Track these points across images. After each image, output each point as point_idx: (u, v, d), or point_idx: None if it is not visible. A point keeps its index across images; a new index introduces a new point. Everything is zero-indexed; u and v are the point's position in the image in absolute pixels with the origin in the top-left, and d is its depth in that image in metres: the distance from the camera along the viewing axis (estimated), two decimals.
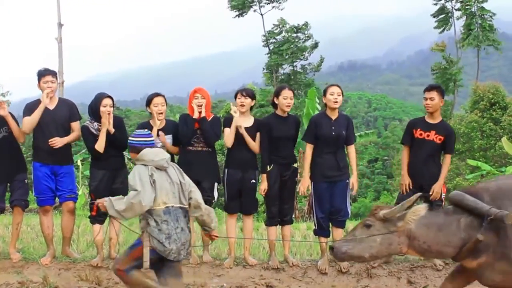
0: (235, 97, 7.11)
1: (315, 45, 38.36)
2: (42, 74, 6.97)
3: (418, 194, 5.19)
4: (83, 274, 6.46)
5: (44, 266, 6.82)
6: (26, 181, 7.13)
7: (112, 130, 6.73)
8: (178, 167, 5.26)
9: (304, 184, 6.93)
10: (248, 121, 7.04)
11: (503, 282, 4.49)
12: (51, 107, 6.99)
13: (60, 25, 23.99)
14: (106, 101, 6.78)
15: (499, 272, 4.43)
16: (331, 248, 4.70)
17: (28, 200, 7.19)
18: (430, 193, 6.92)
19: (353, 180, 7.00)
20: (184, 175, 5.22)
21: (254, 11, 38.64)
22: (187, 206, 5.10)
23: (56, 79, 7.15)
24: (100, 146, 6.72)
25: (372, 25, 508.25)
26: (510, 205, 4.37)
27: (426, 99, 6.96)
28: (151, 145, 5.16)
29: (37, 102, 6.95)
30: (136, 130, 5.48)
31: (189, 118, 6.95)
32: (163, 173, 5.00)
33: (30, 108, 6.91)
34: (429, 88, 6.98)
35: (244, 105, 6.97)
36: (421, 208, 4.55)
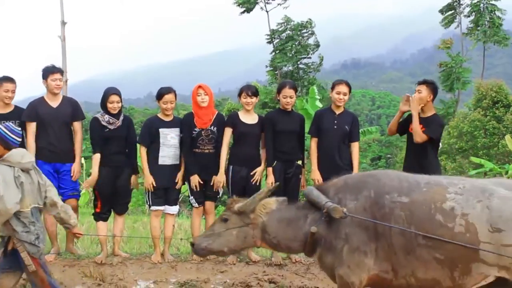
0: (239, 95, 7.15)
1: (317, 45, 38.27)
2: (51, 71, 7.01)
3: (273, 185, 5.22)
4: (87, 270, 6.49)
5: (49, 263, 6.86)
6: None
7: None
8: (36, 166, 5.08)
9: (315, 177, 6.93)
10: (252, 119, 7.08)
11: (332, 276, 4.56)
12: (55, 105, 7.03)
13: (63, 23, 23.96)
14: (113, 97, 6.90)
15: (328, 264, 4.49)
16: (192, 245, 4.78)
17: None
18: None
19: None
20: (42, 175, 5.10)
21: (261, 8, 38.59)
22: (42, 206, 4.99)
23: (62, 77, 7.24)
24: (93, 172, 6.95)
25: (375, 23, 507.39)
26: (351, 199, 4.43)
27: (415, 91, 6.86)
28: (17, 145, 4.93)
29: (40, 100, 7.01)
30: (9, 124, 5.15)
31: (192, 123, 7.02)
32: (27, 175, 4.83)
33: (33, 108, 6.99)
34: (421, 82, 6.89)
35: (249, 104, 7.03)
36: (272, 201, 4.68)
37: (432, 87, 6.82)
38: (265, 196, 4.72)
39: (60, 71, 7.15)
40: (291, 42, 37.54)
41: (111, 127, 6.91)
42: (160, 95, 7.04)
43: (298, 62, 38.13)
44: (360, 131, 22.14)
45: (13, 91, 7.01)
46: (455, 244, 4.07)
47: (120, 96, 6.98)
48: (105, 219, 7.11)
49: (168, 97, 7.00)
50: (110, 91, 6.96)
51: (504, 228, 4.06)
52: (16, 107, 7.14)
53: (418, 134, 6.60)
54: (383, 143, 53.61)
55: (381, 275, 4.34)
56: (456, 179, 4.50)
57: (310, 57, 38.38)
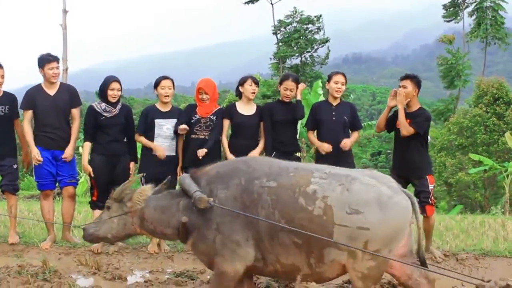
0: (243, 83, 7.07)
1: (326, 40, 38.16)
2: (47, 60, 6.97)
3: (140, 174, 5.19)
4: (83, 259, 6.46)
5: (44, 250, 6.86)
6: (15, 166, 7.14)
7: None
8: None
9: (324, 147, 6.89)
10: (250, 109, 7.04)
11: (208, 263, 4.59)
12: (52, 92, 6.99)
13: (65, 12, 23.93)
14: (114, 85, 6.91)
15: (202, 253, 4.54)
16: (83, 230, 4.91)
17: (17, 184, 7.26)
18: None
19: (346, 140, 6.93)
20: None
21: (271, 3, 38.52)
22: None
23: (59, 65, 7.16)
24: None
25: (377, 18, 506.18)
26: (221, 188, 4.45)
27: (399, 86, 6.86)
28: None
29: (38, 88, 6.98)
30: None
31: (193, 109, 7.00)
32: None
33: (32, 98, 6.99)
34: (403, 77, 6.93)
35: (254, 92, 7.03)
36: (147, 188, 4.76)
37: (416, 81, 6.84)
38: (132, 184, 4.86)
39: (57, 59, 7.09)
40: (296, 34, 37.47)
41: (107, 114, 6.90)
42: (157, 82, 7.02)
43: (302, 56, 38.07)
44: None
45: (2, 76, 6.96)
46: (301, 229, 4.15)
47: (120, 84, 6.99)
48: (102, 208, 7.03)
49: (165, 82, 6.98)
50: (111, 79, 6.97)
51: (362, 211, 4.12)
52: (5, 92, 7.10)
53: (404, 127, 6.61)
54: (383, 139, 53.52)
55: (255, 263, 4.40)
56: (325, 167, 4.57)
57: (316, 51, 38.34)
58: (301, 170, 4.46)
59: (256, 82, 7.07)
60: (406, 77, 6.87)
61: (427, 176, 6.82)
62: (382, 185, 4.31)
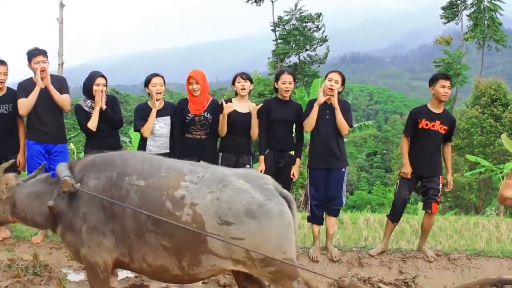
0: (234, 81, 7.04)
1: (325, 39, 38.16)
2: (33, 54, 6.88)
3: (11, 161, 5.12)
4: None
5: (35, 244, 6.84)
6: (16, 161, 7.09)
7: (104, 107, 6.73)
8: None
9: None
10: (245, 107, 6.96)
11: (75, 254, 4.49)
12: (43, 85, 6.91)
13: (61, 5, 23.84)
14: (100, 80, 6.76)
15: (69, 243, 4.44)
16: None
17: None
18: (448, 186, 7.05)
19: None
20: None
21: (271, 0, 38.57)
22: None
23: (47, 58, 7.01)
24: (92, 124, 6.71)
25: (376, 18, 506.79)
26: (92, 178, 4.31)
27: (443, 87, 6.85)
28: None
29: (30, 81, 6.90)
30: None
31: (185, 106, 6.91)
32: None
33: (24, 88, 6.87)
34: (446, 77, 6.96)
35: (245, 89, 6.92)
36: (11, 177, 4.64)
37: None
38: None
39: (43, 53, 6.96)
40: (295, 31, 37.49)
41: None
42: (147, 80, 6.91)
43: (301, 55, 38.08)
44: (356, 125, 22.13)
45: (5, 74, 6.93)
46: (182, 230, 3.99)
47: (106, 79, 6.87)
48: None
49: (156, 79, 6.87)
50: (97, 74, 6.82)
51: (233, 221, 3.97)
52: (8, 89, 7.07)
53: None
54: (379, 139, 53.69)
55: (121, 258, 4.28)
56: (201, 167, 4.39)
57: (314, 50, 38.37)
58: (173, 171, 4.28)
59: (247, 78, 6.98)
60: (449, 77, 7.08)
61: (440, 176, 6.95)
62: (255, 191, 4.13)
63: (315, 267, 6.73)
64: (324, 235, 7.15)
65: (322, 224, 7.03)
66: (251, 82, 7.06)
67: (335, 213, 7.00)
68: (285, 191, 4.30)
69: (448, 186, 7.07)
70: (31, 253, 6.30)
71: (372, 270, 6.76)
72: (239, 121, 6.88)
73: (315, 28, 38.42)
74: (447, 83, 6.87)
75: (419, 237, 7.41)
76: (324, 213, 6.98)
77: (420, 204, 10.19)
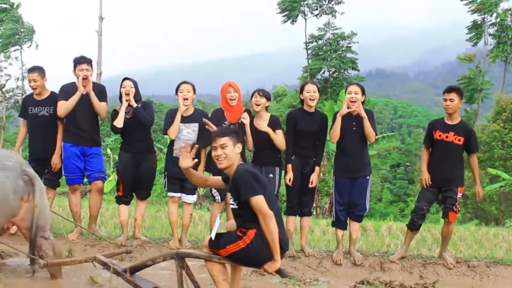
0: (252, 96, 7.24)
1: (354, 62, 37.89)
2: (79, 61, 7.25)
3: None
4: (107, 251, 6.64)
5: (71, 241, 7.10)
6: (60, 166, 7.42)
7: (134, 104, 7.09)
8: None
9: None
10: (263, 121, 7.11)
11: None
12: (85, 91, 7.25)
13: (101, 18, 24.52)
14: (126, 82, 7.21)
15: None
16: None
17: (58, 181, 7.59)
18: (478, 197, 7.28)
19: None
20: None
21: (301, 15, 38.68)
22: None
23: (91, 67, 7.38)
24: (118, 121, 7.09)
25: (401, 35, 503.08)
26: None
27: (445, 100, 7.03)
28: None
29: (72, 85, 7.24)
30: None
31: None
32: None
33: (66, 90, 7.21)
34: (449, 90, 7.06)
35: (259, 105, 7.10)
36: None
37: (461, 93, 7.11)
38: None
39: (87, 61, 7.30)
40: (327, 47, 37.50)
41: (127, 116, 7.17)
42: (177, 87, 7.20)
43: (333, 70, 37.96)
44: (381, 137, 22.00)
45: (35, 80, 7.26)
46: None
47: (134, 82, 7.25)
48: (127, 203, 7.35)
49: (185, 86, 7.14)
50: (125, 78, 7.29)
51: None
52: (52, 93, 7.42)
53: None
54: (403, 151, 53.59)
55: None
56: None
57: (346, 71, 38.22)
58: None
59: (263, 95, 7.11)
60: (451, 89, 7.07)
61: (459, 187, 7.08)
62: None
63: (338, 270, 6.96)
64: (348, 240, 7.32)
65: (346, 229, 7.21)
66: (268, 99, 7.19)
67: (358, 219, 7.19)
68: (29, 170, 5.13)
69: (478, 197, 7.24)
70: (66, 249, 6.49)
71: (393, 274, 6.88)
72: (256, 135, 7.07)
73: (347, 46, 38.16)
74: (449, 96, 7.01)
75: (440, 245, 7.57)
76: (348, 219, 7.18)
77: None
